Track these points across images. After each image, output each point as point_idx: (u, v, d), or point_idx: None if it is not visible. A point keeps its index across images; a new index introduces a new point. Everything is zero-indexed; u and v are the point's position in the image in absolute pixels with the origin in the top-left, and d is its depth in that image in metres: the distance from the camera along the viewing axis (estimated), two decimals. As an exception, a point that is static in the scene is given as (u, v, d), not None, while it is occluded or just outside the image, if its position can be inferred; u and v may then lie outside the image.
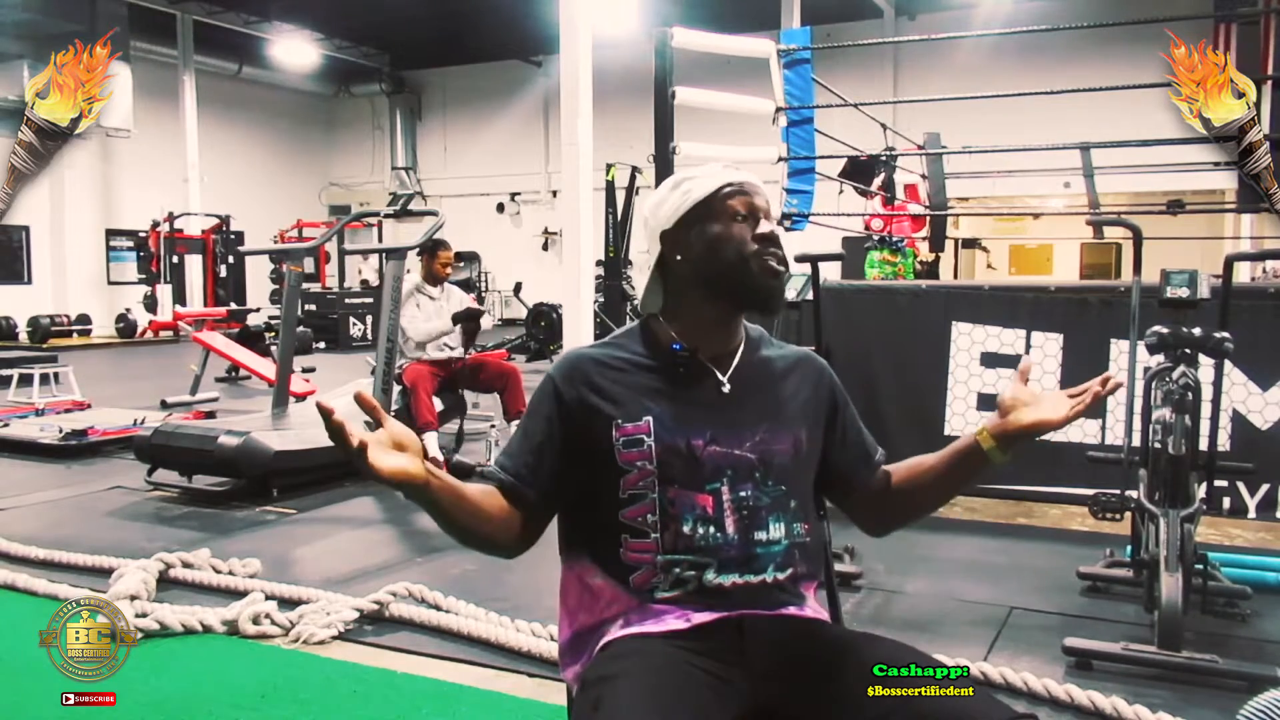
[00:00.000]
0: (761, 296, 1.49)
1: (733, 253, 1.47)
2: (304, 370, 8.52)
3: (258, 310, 15.06)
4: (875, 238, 8.39)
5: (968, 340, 4.59)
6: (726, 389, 1.50)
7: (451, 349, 5.73)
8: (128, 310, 16.66)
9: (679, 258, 1.52)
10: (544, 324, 12.39)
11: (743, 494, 1.45)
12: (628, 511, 1.44)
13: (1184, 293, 3.13)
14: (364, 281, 19.40)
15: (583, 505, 1.50)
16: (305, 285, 9.07)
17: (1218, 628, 3.09)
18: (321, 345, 14.07)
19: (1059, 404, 1.42)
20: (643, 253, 1.63)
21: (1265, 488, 4.03)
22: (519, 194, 21.79)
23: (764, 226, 1.49)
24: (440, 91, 22.56)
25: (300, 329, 11.16)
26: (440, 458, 5.33)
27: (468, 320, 5.64)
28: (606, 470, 1.45)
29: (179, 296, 16.61)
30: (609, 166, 10.73)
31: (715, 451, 1.45)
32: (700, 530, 1.43)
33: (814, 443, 1.55)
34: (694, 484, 1.44)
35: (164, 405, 7.55)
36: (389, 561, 3.95)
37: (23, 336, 15.69)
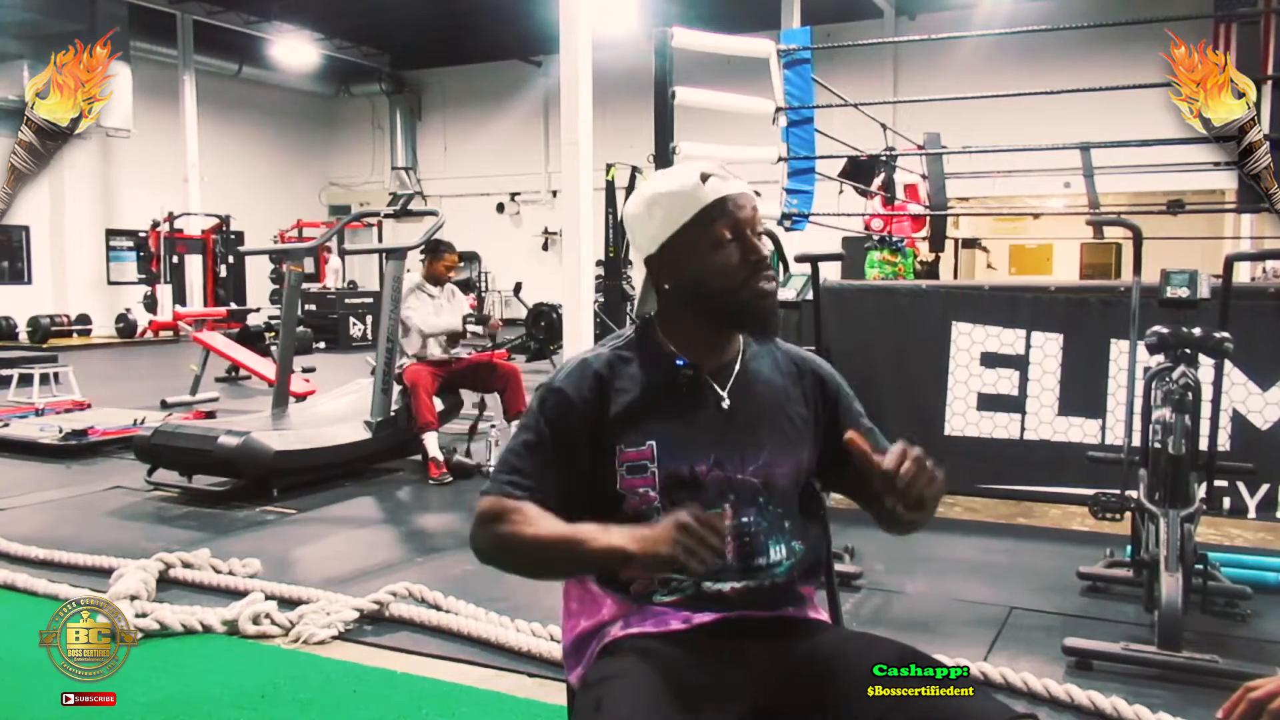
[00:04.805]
0: (755, 321, 1.46)
1: (720, 283, 1.42)
2: (304, 370, 8.51)
3: (258, 310, 15.06)
4: (875, 238, 8.38)
5: (968, 340, 4.58)
6: (726, 404, 1.47)
7: (451, 350, 5.73)
8: (128, 310, 16.65)
9: (666, 285, 1.47)
10: (544, 324, 12.39)
11: (745, 520, 1.43)
12: None
13: (1184, 293, 3.14)
14: (352, 283, 19.37)
15: (583, 513, 1.49)
16: (305, 285, 9.06)
17: (1218, 628, 3.09)
18: (321, 345, 14.06)
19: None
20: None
21: (1265, 488, 4.03)
22: (519, 194, 21.78)
23: (753, 247, 1.42)
24: (440, 91, 22.54)
25: (300, 329, 11.16)
26: (440, 457, 5.33)
27: (483, 326, 5.74)
28: (607, 489, 1.43)
29: (179, 296, 16.60)
30: (609, 166, 10.71)
31: (718, 476, 1.43)
32: None
33: (814, 458, 1.53)
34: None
35: (164, 405, 7.55)
36: (389, 561, 3.95)
37: (23, 336, 15.68)
